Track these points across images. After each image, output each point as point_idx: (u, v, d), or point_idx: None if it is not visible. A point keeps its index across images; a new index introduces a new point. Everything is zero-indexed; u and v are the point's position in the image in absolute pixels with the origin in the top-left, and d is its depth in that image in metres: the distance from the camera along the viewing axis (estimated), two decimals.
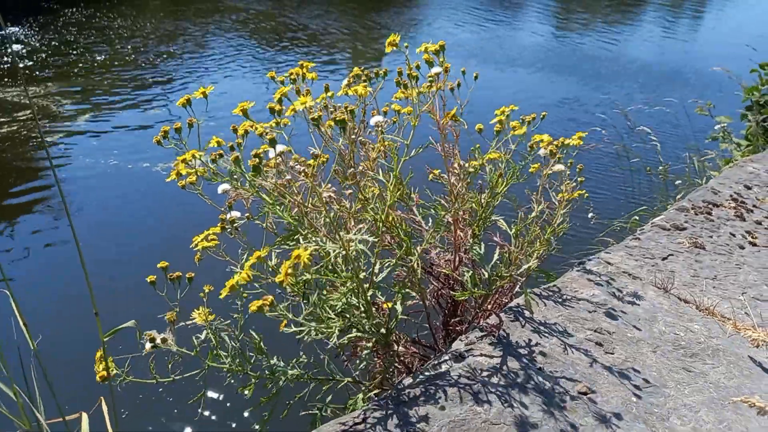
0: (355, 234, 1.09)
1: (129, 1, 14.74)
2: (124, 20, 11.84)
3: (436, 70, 1.33)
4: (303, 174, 1.03)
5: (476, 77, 1.69)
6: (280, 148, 1.05)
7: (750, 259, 1.84)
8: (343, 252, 1.07)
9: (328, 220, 1.09)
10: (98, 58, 8.97)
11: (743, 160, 2.78)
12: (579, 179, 1.65)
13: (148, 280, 1.13)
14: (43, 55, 8.99)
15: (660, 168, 3.63)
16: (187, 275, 1.18)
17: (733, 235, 1.98)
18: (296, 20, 12.64)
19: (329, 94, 1.47)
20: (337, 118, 1.08)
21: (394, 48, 1.32)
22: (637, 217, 3.39)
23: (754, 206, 2.22)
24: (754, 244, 1.93)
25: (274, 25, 12.11)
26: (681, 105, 6.78)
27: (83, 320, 2.94)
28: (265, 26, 11.96)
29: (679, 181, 3.50)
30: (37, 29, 10.70)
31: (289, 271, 0.89)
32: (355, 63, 9.18)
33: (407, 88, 1.37)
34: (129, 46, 9.78)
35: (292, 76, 1.48)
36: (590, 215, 3.57)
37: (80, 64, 8.62)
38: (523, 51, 10.05)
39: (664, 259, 1.79)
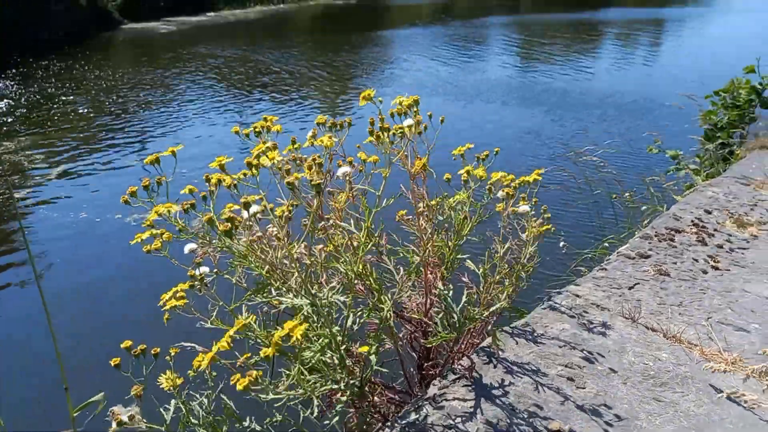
0: (328, 290, 1.10)
1: (103, 52, 14.82)
2: (100, 71, 11.88)
3: (408, 122, 1.37)
4: (274, 235, 1.05)
5: (442, 121, 1.74)
6: (254, 209, 1.07)
7: (713, 283, 1.89)
8: (317, 307, 1.08)
9: (299, 275, 1.10)
10: (73, 109, 8.95)
11: (702, 185, 2.88)
12: (545, 215, 1.70)
13: (112, 363, 1.12)
14: (17, 109, 8.92)
15: (626, 195, 3.73)
16: (152, 351, 1.17)
17: (696, 260, 2.04)
18: (268, 63, 12.83)
19: (296, 146, 1.50)
20: (313, 183, 1.10)
21: (368, 102, 1.36)
22: (607, 244, 3.46)
23: (715, 230, 2.30)
24: (717, 268, 1.99)
25: (247, 69, 12.27)
26: (643, 132, 7.00)
27: (53, 393, 2.87)
28: (238, 71, 12.10)
29: (645, 207, 3.60)
30: (12, 82, 10.64)
31: (279, 342, 0.90)
32: (328, 103, 9.31)
33: (380, 139, 1.41)
34: (104, 96, 9.79)
35: (257, 129, 1.52)
36: (562, 245, 3.64)
37: (55, 117, 8.58)
38: (487, 85, 10.33)
39: (630, 288, 1.84)
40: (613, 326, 1.61)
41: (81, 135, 7.64)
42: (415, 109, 1.40)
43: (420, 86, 10.43)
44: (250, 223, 1.10)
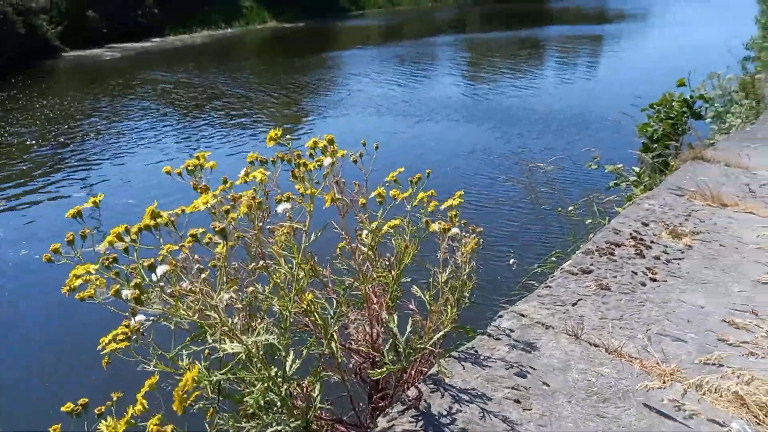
0: (263, 332, 1.09)
1: (47, 80, 14.33)
2: (44, 99, 11.49)
3: (328, 162, 1.38)
4: (189, 290, 1.03)
5: (377, 147, 1.76)
6: (162, 269, 1.05)
7: (651, 295, 1.97)
8: (251, 351, 1.06)
9: (224, 324, 1.08)
10: (18, 140, 8.59)
11: (640, 198, 3.00)
12: (478, 230, 1.73)
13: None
14: None
15: (570, 209, 3.85)
16: (80, 402, 1.13)
17: (635, 273, 2.11)
18: (218, 88, 12.71)
19: (228, 184, 1.49)
20: (216, 230, 1.09)
21: (276, 143, 1.37)
22: (555, 258, 3.55)
23: (652, 242, 2.39)
24: (654, 280, 2.07)
25: (196, 94, 12.11)
26: (586, 146, 7.25)
27: None
28: (188, 96, 11.93)
29: (589, 220, 3.72)
30: None
31: (184, 396, 0.87)
32: (280, 125, 9.28)
33: (302, 179, 1.41)
34: (49, 126, 9.45)
35: (189, 168, 1.49)
36: (512, 261, 3.71)
37: None
38: (436, 103, 10.52)
39: (574, 304, 1.89)
40: (558, 344, 1.65)
41: (25, 167, 7.34)
42: (332, 148, 1.41)
43: (370, 106, 10.53)
44: (162, 284, 1.07)
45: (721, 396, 1.40)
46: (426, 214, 1.56)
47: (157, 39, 22.44)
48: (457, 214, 1.59)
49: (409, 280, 1.61)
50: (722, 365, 1.55)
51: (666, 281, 2.06)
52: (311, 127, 9.66)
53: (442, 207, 1.64)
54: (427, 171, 1.75)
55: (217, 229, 1.08)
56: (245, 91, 12.36)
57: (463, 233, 1.51)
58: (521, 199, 4.58)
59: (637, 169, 5.28)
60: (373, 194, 1.48)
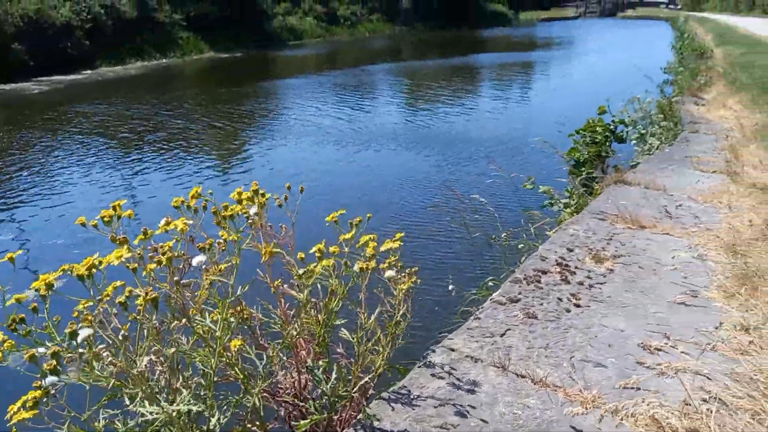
0: (182, 394, 1.05)
1: None
2: None
3: (253, 210, 1.38)
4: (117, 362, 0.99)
5: (302, 190, 1.76)
6: (84, 333, 1.01)
7: (576, 321, 2.04)
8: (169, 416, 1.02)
9: (142, 389, 1.04)
10: None
11: (566, 223, 3.13)
12: (414, 269, 1.76)
13: None
14: None
15: (503, 235, 3.95)
16: None
17: (561, 300, 2.19)
18: (155, 119, 12.41)
19: (149, 234, 1.45)
20: (145, 299, 1.06)
21: (199, 197, 1.35)
22: (492, 283, 3.63)
23: (576, 268, 2.49)
24: (578, 305, 2.15)
25: (132, 126, 11.76)
26: (520, 170, 7.51)
27: None
28: (123, 129, 11.58)
29: (522, 245, 3.83)
30: None
31: None
32: (219, 157, 9.11)
33: (226, 229, 1.39)
34: None
35: (106, 219, 1.45)
36: (450, 288, 3.76)
37: None
38: (374, 130, 10.65)
39: (502, 335, 1.93)
40: (486, 377, 1.68)
41: None
42: (259, 199, 1.41)
43: (311, 134, 10.54)
44: (82, 351, 1.03)
45: (637, 421, 1.46)
46: (364, 257, 1.58)
47: (88, 71, 21.73)
48: (394, 258, 1.61)
49: (344, 321, 1.61)
50: (639, 389, 1.62)
51: (589, 306, 2.14)
52: (252, 156, 9.56)
53: (382, 249, 1.66)
54: (368, 215, 1.78)
55: (147, 298, 1.04)
56: (185, 122, 12.13)
57: (401, 274, 1.53)
58: (457, 227, 4.67)
59: (567, 191, 5.50)
60: (313, 249, 1.47)
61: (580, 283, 2.33)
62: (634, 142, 8.08)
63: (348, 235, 1.59)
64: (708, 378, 1.64)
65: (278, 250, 1.51)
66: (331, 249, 1.61)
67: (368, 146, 9.52)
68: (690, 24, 29.51)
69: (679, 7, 67.35)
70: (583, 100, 13.32)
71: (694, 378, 1.64)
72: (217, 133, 11.11)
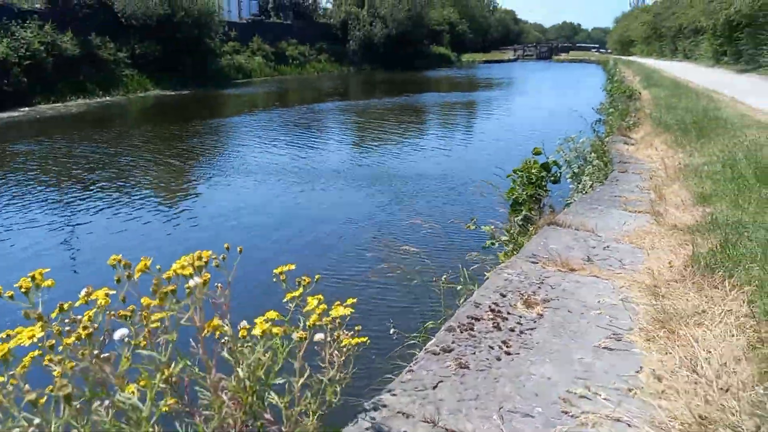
0: None
1: None
2: None
3: (194, 281, 1.36)
4: None
5: (240, 251, 1.76)
6: None
7: (505, 369, 2.08)
8: None
9: None
10: None
11: (500, 267, 3.21)
12: (356, 328, 1.76)
13: None
14: None
15: (443, 278, 4.02)
16: None
17: (492, 348, 2.24)
18: (98, 157, 12.05)
19: (66, 305, 1.40)
20: (62, 394, 1.02)
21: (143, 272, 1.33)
22: (433, 325, 3.66)
23: (508, 313, 2.55)
24: (509, 353, 2.20)
25: (75, 164, 11.36)
26: (462, 210, 7.69)
27: None
28: (65, 167, 11.16)
29: (460, 287, 3.90)
30: None
31: None
32: (165, 196, 8.89)
33: (163, 300, 1.37)
34: None
35: (22, 289, 1.39)
36: (392, 331, 3.77)
37: None
38: (322, 169, 10.71)
39: (434, 387, 1.95)
40: None
41: None
42: (204, 276, 1.40)
43: (259, 173, 10.48)
44: None
45: None
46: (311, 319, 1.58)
47: (26, 108, 20.94)
48: (328, 320, 1.62)
49: (282, 380, 1.59)
50: None
51: (519, 354, 2.20)
52: (199, 196, 9.42)
53: (332, 315, 1.66)
54: (317, 276, 1.78)
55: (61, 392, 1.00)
56: (130, 160, 11.83)
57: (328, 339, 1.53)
58: (399, 271, 4.71)
59: (507, 231, 5.66)
60: (257, 331, 1.45)
61: (512, 330, 2.39)
62: (570, 179, 8.45)
63: (296, 294, 1.59)
64: (628, 425, 1.71)
65: (219, 322, 1.49)
66: (270, 314, 1.61)
67: (314, 185, 9.55)
68: (619, 67, 31.44)
69: (609, 51, 71.87)
70: (522, 138, 13.87)
71: (614, 425, 1.70)
72: (162, 172, 10.88)
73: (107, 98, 25.56)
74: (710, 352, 2.05)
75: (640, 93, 16.55)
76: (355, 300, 1.70)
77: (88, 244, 6.82)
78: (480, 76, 42.81)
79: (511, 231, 5.61)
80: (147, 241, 6.86)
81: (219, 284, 1.76)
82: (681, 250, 3.34)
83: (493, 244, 5.48)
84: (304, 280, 1.78)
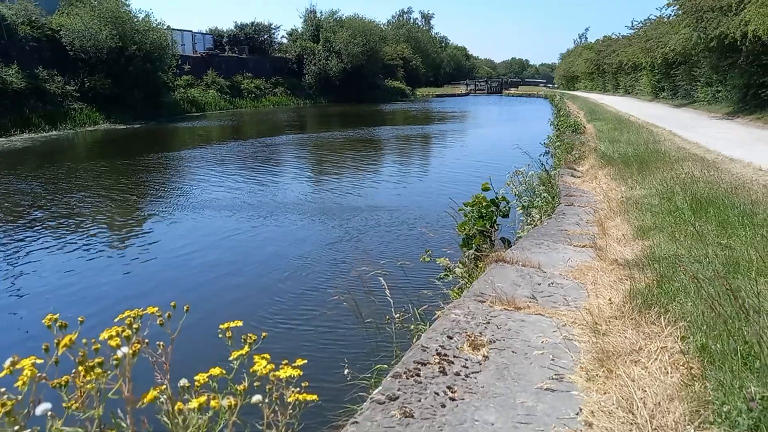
0: None
1: None
2: None
3: (122, 352, 1.31)
4: None
5: (187, 310, 1.73)
6: None
7: (450, 416, 2.09)
8: None
9: None
10: None
11: (448, 308, 3.24)
12: (304, 384, 1.73)
13: None
14: None
15: (397, 316, 4.02)
16: None
17: (437, 394, 2.24)
18: (44, 193, 11.61)
19: None
20: None
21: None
22: (386, 365, 3.64)
23: (454, 357, 2.57)
24: (453, 399, 2.21)
25: (19, 201, 10.90)
26: (417, 241, 7.76)
27: None
28: (7, 204, 10.67)
29: (413, 326, 3.91)
30: None
31: None
32: (114, 232, 8.60)
33: (89, 372, 1.32)
34: None
35: None
36: (346, 372, 3.72)
37: None
38: (276, 203, 10.63)
39: None
40: None
41: None
42: (134, 346, 1.36)
43: (212, 207, 10.31)
44: None
45: None
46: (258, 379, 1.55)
47: None
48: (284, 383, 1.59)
49: None
50: None
51: (464, 399, 2.21)
52: (150, 233, 9.18)
53: (281, 376, 1.63)
54: (263, 334, 1.75)
55: None
56: (78, 196, 11.44)
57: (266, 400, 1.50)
58: (348, 311, 4.68)
59: (461, 263, 5.73)
60: (193, 404, 1.40)
61: (457, 374, 2.41)
62: (520, 211, 8.66)
63: (243, 352, 1.55)
64: None
65: (155, 394, 1.44)
66: (214, 371, 1.57)
67: (269, 220, 9.46)
68: (565, 101, 32.82)
69: (556, 86, 75.04)
70: (476, 170, 14.18)
71: None
72: (112, 208, 10.58)
73: (54, 132, 24.82)
74: (645, 391, 2.12)
75: (584, 127, 17.27)
76: (305, 361, 1.67)
77: (31, 286, 6.51)
78: (434, 110, 43.81)
79: (464, 264, 5.68)
80: (94, 284, 6.61)
81: (160, 342, 1.71)
82: (621, 286, 3.46)
83: (447, 276, 5.53)
84: (250, 337, 1.75)
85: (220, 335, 1.79)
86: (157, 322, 1.72)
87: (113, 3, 30.30)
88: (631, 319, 2.86)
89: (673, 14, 21.45)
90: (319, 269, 6.78)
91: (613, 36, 44.65)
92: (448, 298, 4.75)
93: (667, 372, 2.26)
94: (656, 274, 3.45)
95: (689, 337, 2.51)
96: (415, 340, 3.76)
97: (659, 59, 26.32)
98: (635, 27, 33.83)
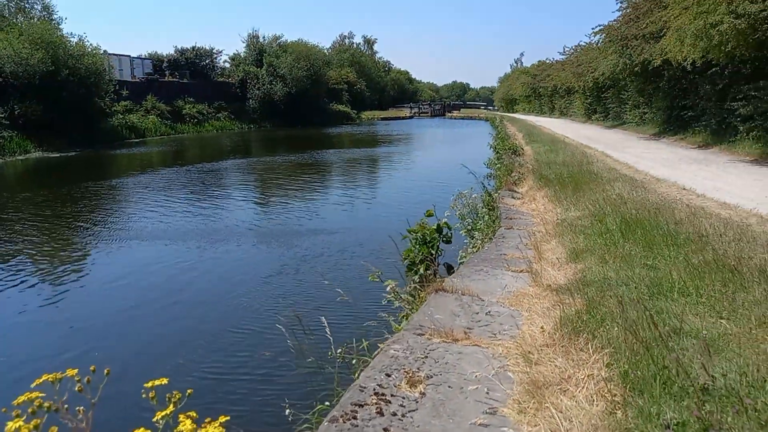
0: None
1: None
2: None
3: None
4: None
5: (107, 373, 1.69)
6: None
7: None
8: None
9: None
10: None
11: (388, 343, 3.27)
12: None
13: None
14: None
15: (338, 351, 4.00)
16: None
17: None
18: None
19: None
20: None
21: None
22: (329, 403, 3.61)
23: (392, 396, 2.58)
24: None
25: None
26: (363, 266, 7.75)
27: None
28: None
29: (354, 361, 3.90)
30: None
31: None
32: (46, 270, 8.16)
33: None
34: None
35: None
36: (287, 412, 3.67)
37: None
38: (222, 230, 10.41)
39: None
40: None
41: None
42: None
43: (152, 236, 9.99)
44: None
45: None
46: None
47: None
48: None
49: None
50: None
51: None
52: (89, 263, 8.80)
53: None
54: (188, 391, 1.72)
55: None
56: (6, 227, 10.83)
57: None
58: (287, 348, 4.63)
59: (408, 291, 5.76)
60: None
61: (394, 414, 2.42)
62: (464, 234, 8.83)
63: (167, 412, 1.51)
64: None
65: None
66: None
67: (210, 250, 9.25)
68: (505, 123, 33.93)
69: (496, 108, 77.55)
70: (422, 192, 14.41)
71: None
72: (49, 238, 10.09)
73: None
74: (572, 421, 2.20)
75: (523, 149, 17.88)
76: (227, 418, 1.65)
77: None
78: (380, 133, 44.32)
79: (410, 290, 5.71)
80: (23, 327, 6.26)
81: (80, 408, 1.66)
82: (553, 312, 3.58)
83: (392, 300, 5.54)
84: (175, 395, 1.72)
85: (143, 395, 1.76)
86: (76, 388, 1.67)
87: (44, 27, 29.28)
88: (562, 346, 2.97)
89: (600, 41, 22.70)
90: (259, 306, 6.64)
91: (547, 61, 46.78)
92: (392, 329, 4.77)
93: (593, 401, 2.35)
94: (585, 299, 3.60)
95: (613, 364, 2.63)
96: (357, 375, 3.75)
97: (590, 83, 27.71)
98: (567, 52, 35.59)
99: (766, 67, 12.42)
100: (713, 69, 12.95)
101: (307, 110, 51.60)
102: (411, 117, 74.20)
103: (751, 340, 2.85)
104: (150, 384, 1.74)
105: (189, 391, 1.75)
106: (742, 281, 3.74)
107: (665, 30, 14.80)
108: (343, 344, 4.13)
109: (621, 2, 19.65)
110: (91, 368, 1.73)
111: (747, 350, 2.71)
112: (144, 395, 1.74)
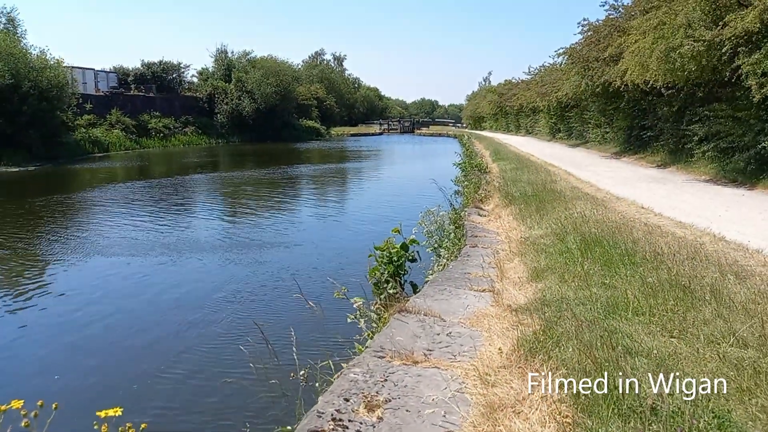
0: None
1: None
2: None
3: None
4: None
5: (56, 408, 1.67)
6: None
7: None
8: None
9: None
10: None
11: (348, 366, 3.27)
12: None
13: None
14: None
15: (302, 373, 3.97)
16: None
17: None
18: None
19: None
20: None
21: None
22: (289, 427, 3.57)
23: (350, 421, 2.58)
24: None
25: None
26: (332, 284, 7.71)
27: None
28: None
29: (317, 383, 3.88)
30: None
31: None
32: (10, 285, 7.87)
33: None
34: None
35: None
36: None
37: None
38: (189, 245, 10.26)
39: None
40: None
41: None
42: None
43: (117, 253, 9.76)
44: None
45: None
46: None
47: None
48: None
49: None
50: None
51: None
52: (51, 278, 8.55)
53: None
54: (143, 426, 1.70)
55: None
56: None
57: None
58: (249, 369, 4.57)
59: (369, 312, 5.75)
60: None
61: None
62: (430, 251, 8.88)
63: None
64: None
65: None
66: None
67: (168, 266, 9.09)
68: (473, 141, 34.45)
69: (464, 125, 78.68)
70: (390, 210, 14.47)
71: None
72: (9, 255, 9.76)
73: None
74: None
75: (490, 167, 18.17)
76: None
77: None
78: (350, 148, 44.43)
79: (375, 309, 5.70)
80: None
81: None
82: (512, 333, 3.64)
83: (356, 318, 5.51)
84: (128, 428, 1.69)
85: (96, 425, 1.73)
86: (22, 424, 1.63)
87: (4, 38, 28.56)
88: (518, 367, 3.02)
89: (564, 63, 23.36)
90: (221, 327, 6.51)
91: (513, 80, 47.79)
92: (355, 349, 4.76)
93: (545, 422, 2.40)
94: (543, 319, 3.67)
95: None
96: (320, 394, 3.72)
97: (554, 103, 28.42)
98: (532, 72, 36.45)
99: (719, 91, 12.96)
100: (669, 91, 13.46)
101: (276, 125, 51.43)
102: (381, 133, 74.65)
103: (698, 359, 2.96)
104: (103, 414, 1.71)
105: (143, 425, 1.73)
106: (693, 300, 3.88)
107: (624, 54, 15.34)
108: (307, 366, 4.11)
109: (582, 26, 20.29)
110: (39, 403, 1.69)
111: (694, 369, 2.81)
112: (96, 426, 1.71)
